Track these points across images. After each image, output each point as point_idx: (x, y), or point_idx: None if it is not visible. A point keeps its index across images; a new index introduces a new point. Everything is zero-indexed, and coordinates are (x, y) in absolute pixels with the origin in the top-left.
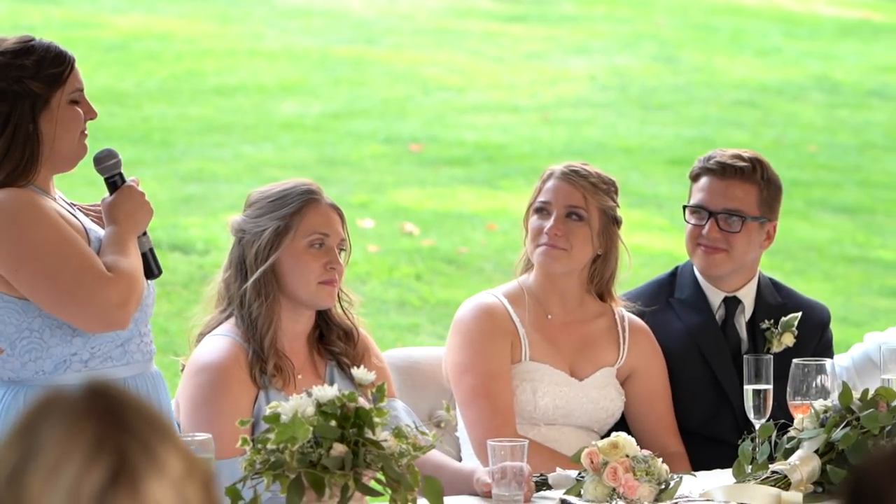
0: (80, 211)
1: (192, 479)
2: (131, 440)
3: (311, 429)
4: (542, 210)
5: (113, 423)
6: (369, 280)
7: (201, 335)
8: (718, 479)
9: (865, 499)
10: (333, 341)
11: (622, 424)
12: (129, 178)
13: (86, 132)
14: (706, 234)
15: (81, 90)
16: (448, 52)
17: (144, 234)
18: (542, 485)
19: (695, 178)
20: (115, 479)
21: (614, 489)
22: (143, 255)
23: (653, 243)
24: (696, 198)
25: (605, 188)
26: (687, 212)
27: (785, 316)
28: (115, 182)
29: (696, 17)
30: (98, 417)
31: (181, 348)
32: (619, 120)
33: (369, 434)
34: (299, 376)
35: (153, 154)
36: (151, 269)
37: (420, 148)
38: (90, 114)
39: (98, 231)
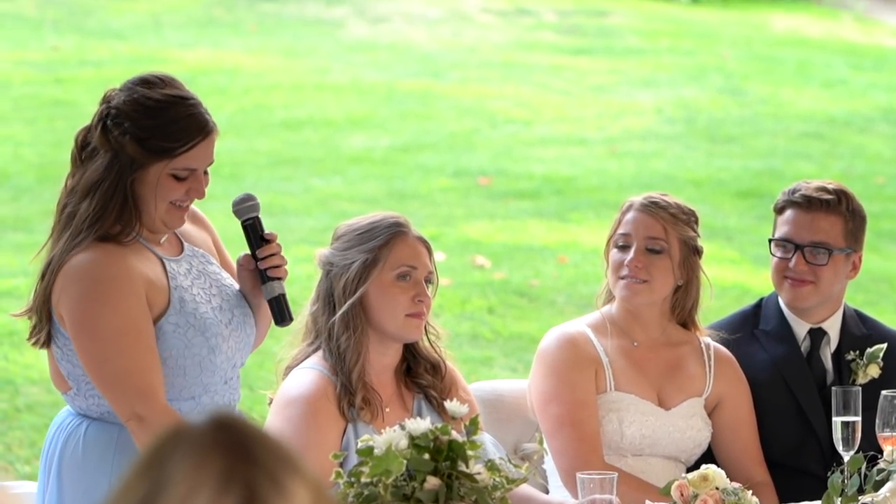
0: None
1: None
2: (259, 472)
3: (405, 462)
4: (622, 243)
5: (240, 455)
6: (442, 313)
7: (289, 368)
8: None
9: None
10: (421, 374)
11: (708, 455)
12: (268, 231)
13: (182, 205)
14: (793, 266)
15: (194, 170)
16: (514, 85)
17: (278, 279)
18: None
19: (780, 210)
20: None
21: None
22: (275, 300)
23: (724, 276)
24: (782, 231)
25: (684, 218)
26: (773, 245)
27: (870, 347)
28: (250, 225)
29: (760, 48)
30: (226, 450)
31: (256, 382)
32: (687, 152)
33: (462, 467)
34: (387, 409)
35: (222, 188)
36: (284, 315)
37: (489, 181)
38: (196, 193)
39: (188, 289)
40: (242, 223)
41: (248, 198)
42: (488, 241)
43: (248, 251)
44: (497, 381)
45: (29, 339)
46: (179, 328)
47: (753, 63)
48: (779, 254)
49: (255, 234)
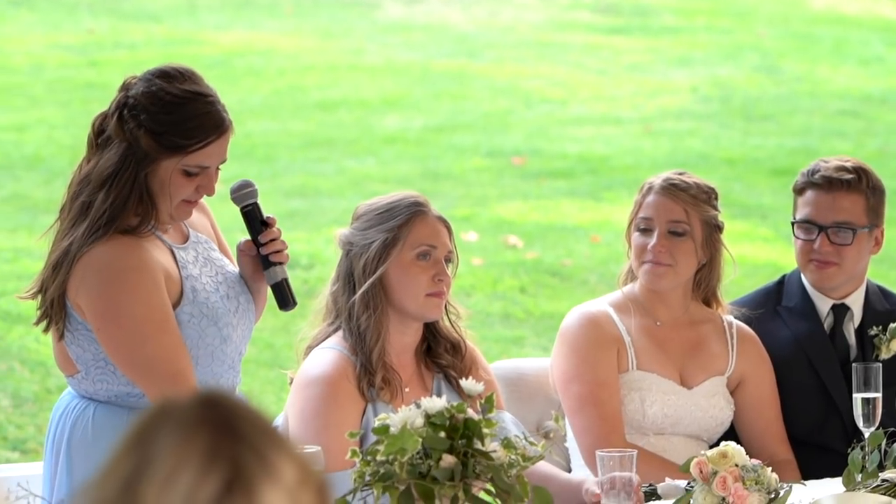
0: (241, 248)
1: (306, 486)
2: (245, 449)
3: (421, 440)
4: (644, 226)
5: (227, 431)
6: (474, 293)
7: (309, 348)
8: (828, 488)
9: None
10: (441, 354)
11: (730, 432)
12: (267, 214)
13: (192, 201)
14: (818, 248)
15: (206, 168)
16: (549, 64)
17: (280, 264)
18: (652, 495)
19: (800, 191)
20: (230, 488)
21: (724, 499)
22: (278, 285)
23: (757, 254)
24: (804, 212)
25: (704, 198)
26: (795, 227)
27: (893, 322)
28: (250, 211)
29: (797, 26)
30: (212, 426)
31: (286, 363)
32: (722, 131)
33: (478, 445)
34: (407, 389)
35: (256, 169)
36: (287, 299)
37: (523, 161)
38: (206, 190)
39: (197, 278)
40: (242, 209)
41: (246, 184)
42: (521, 220)
43: (247, 237)
44: (519, 360)
45: (36, 323)
46: (194, 318)
47: (790, 41)
48: (802, 236)
49: (255, 219)
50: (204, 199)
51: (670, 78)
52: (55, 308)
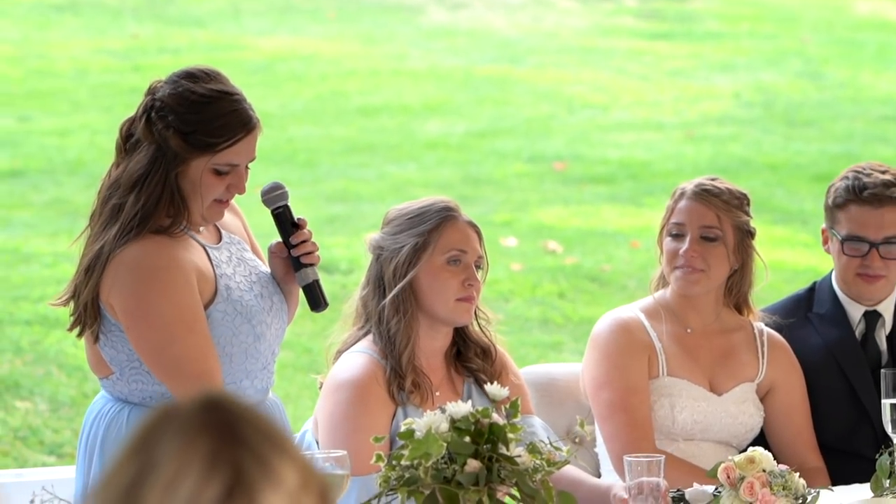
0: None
1: (308, 490)
2: (247, 453)
3: (445, 445)
4: (676, 232)
5: (228, 436)
6: (512, 298)
7: (339, 352)
8: (856, 494)
9: None
10: (471, 358)
11: (761, 440)
12: (298, 216)
13: (223, 201)
14: (869, 263)
15: (236, 165)
16: (592, 70)
17: (311, 265)
18: (679, 500)
19: (841, 206)
20: (231, 493)
21: None
22: (309, 287)
23: (797, 259)
24: (851, 228)
25: (737, 203)
26: (844, 245)
27: None
28: (281, 213)
29: (841, 32)
30: (214, 431)
31: (323, 368)
32: (764, 136)
33: (503, 450)
34: (437, 393)
35: (297, 175)
36: (318, 301)
37: (564, 166)
38: (236, 189)
39: (231, 277)
40: (273, 212)
41: (277, 186)
42: (561, 226)
43: (279, 239)
44: (550, 365)
45: (70, 328)
46: (227, 316)
47: (834, 47)
48: (850, 252)
49: (286, 221)
50: (237, 204)
51: (713, 83)
52: (89, 311)
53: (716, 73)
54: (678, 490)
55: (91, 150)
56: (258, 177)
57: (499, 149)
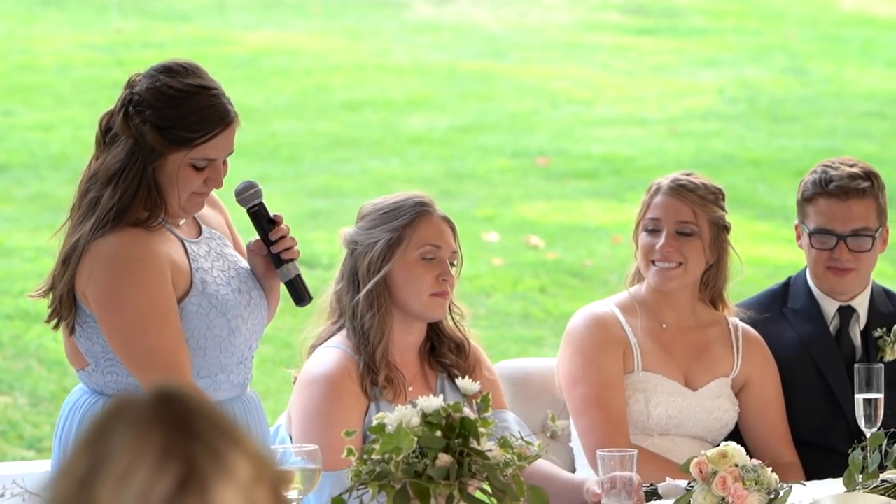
0: (251, 246)
1: (260, 483)
2: (200, 446)
3: (416, 439)
4: (652, 227)
5: (181, 429)
6: (494, 293)
7: (313, 347)
8: (829, 489)
9: None
10: (445, 353)
11: (736, 435)
12: (274, 212)
13: (201, 194)
14: (837, 256)
15: (213, 160)
16: (576, 65)
17: (291, 260)
18: (652, 495)
19: (810, 199)
20: (184, 485)
21: (724, 499)
22: (292, 282)
23: (780, 255)
24: (820, 221)
25: (712, 198)
26: (812, 238)
27: None
28: (257, 211)
29: (825, 28)
30: (167, 424)
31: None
32: (748, 132)
33: (474, 444)
34: (410, 388)
35: (281, 169)
36: (302, 295)
37: (547, 161)
38: (214, 183)
39: (208, 271)
40: (248, 211)
41: (250, 185)
42: (543, 221)
43: (257, 237)
44: (524, 360)
45: (48, 320)
46: (202, 309)
47: (818, 42)
48: (819, 245)
49: (262, 219)
50: (221, 200)
51: (697, 79)
52: (65, 303)
53: (700, 68)
54: (651, 484)
55: (74, 144)
56: (241, 171)
57: (482, 144)
